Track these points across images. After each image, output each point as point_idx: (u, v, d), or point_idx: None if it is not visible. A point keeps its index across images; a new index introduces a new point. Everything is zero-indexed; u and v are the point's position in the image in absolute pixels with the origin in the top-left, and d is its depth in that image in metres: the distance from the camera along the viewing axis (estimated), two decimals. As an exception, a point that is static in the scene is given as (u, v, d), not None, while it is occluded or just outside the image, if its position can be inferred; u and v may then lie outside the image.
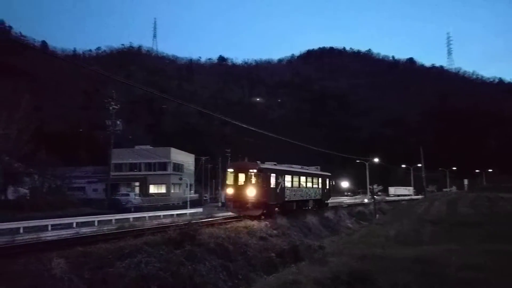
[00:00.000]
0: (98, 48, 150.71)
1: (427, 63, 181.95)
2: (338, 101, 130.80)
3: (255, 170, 22.26)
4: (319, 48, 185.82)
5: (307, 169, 30.51)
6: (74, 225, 22.55)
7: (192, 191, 61.34)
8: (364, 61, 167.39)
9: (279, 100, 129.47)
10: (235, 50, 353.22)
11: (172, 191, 57.44)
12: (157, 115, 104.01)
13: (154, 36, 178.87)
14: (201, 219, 21.86)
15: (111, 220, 25.28)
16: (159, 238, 13.22)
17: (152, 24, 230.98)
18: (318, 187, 31.00)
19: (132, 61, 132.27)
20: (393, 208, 42.98)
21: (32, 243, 13.74)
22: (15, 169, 36.25)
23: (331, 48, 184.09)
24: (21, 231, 19.61)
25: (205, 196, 58.98)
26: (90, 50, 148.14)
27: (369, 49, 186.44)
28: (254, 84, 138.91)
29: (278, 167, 25.41)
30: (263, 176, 22.23)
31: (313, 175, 30.54)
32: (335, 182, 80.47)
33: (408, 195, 76.95)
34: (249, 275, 12.74)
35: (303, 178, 28.32)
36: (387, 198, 61.06)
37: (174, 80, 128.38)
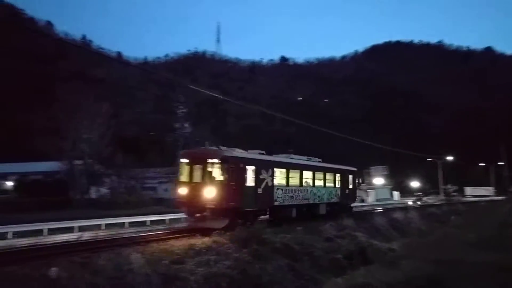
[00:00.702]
0: (167, 55, 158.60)
1: (508, 51, 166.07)
2: (406, 97, 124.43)
3: (216, 160, 15.65)
4: (385, 42, 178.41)
5: (317, 163, 23.84)
6: (148, 222, 23.98)
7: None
8: (434, 53, 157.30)
9: (343, 98, 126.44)
10: (297, 49, 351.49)
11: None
12: (221, 117, 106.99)
13: (218, 40, 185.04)
14: (268, 219, 22.07)
15: (180, 218, 26.45)
16: (225, 237, 13.64)
17: (216, 29, 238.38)
18: (334, 187, 24.38)
19: (197, 66, 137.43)
20: (470, 210, 39.85)
21: (112, 239, 14.89)
22: (97, 170, 39.60)
23: (398, 42, 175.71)
24: (103, 227, 21.35)
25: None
26: (159, 57, 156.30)
27: (440, 40, 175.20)
28: (317, 82, 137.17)
29: (261, 157, 18.81)
30: (231, 168, 15.77)
31: (326, 170, 23.73)
32: (404, 182, 76.93)
33: (487, 195, 70.91)
34: (316, 276, 12.60)
35: (307, 174, 21.71)
36: (462, 199, 56.94)
37: (236, 82, 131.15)
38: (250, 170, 17.10)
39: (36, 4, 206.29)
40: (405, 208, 31.86)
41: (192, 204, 15.64)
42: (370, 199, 61.66)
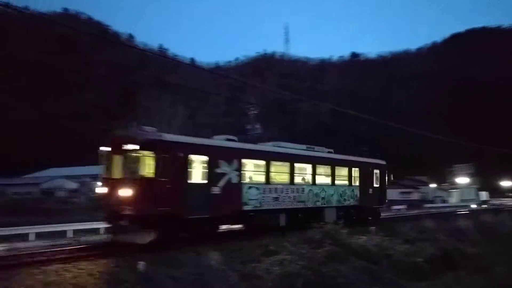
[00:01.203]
0: (237, 59, 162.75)
1: None
2: (492, 89, 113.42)
3: (136, 147, 11.27)
4: (467, 30, 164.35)
5: (321, 153, 18.85)
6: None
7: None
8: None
9: (419, 92, 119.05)
10: (368, 45, 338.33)
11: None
12: (291, 117, 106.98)
13: (286, 40, 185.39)
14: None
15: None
16: (299, 237, 13.65)
17: (284, 29, 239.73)
18: (350, 185, 19.59)
19: (266, 67, 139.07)
20: None
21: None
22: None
23: (483, 28, 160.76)
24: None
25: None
26: (230, 61, 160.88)
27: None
28: (390, 77, 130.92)
29: (220, 143, 14.39)
30: (163, 158, 11.37)
31: (334, 163, 18.83)
32: (494, 181, 69.99)
33: None
34: (396, 280, 12.04)
35: (304, 168, 17.34)
36: None
37: (306, 81, 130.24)
38: (198, 161, 12.68)
39: (119, 19, 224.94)
40: (493, 211, 28.95)
41: (109, 209, 11.79)
42: (454, 200, 57.34)
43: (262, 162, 15.54)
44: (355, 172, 20.34)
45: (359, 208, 20.18)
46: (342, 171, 19.70)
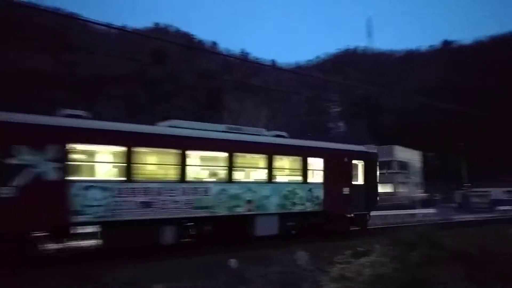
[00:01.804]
0: (317, 57, 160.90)
1: None
2: None
3: None
4: None
5: (250, 136, 13.83)
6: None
7: (420, 190, 57.49)
8: None
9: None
10: (461, 31, 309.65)
11: (399, 190, 55.50)
12: (376, 113, 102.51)
13: (369, 34, 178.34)
14: (435, 221, 20.19)
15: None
16: (388, 238, 13.06)
17: (366, 23, 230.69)
18: (304, 183, 14.62)
19: (348, 63, 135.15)
20: None
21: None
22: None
23: None
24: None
25: (436, 196, 54.27)
26: (311, 60, 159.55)
27: None
28: (490, 65, 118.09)
29: (19, 118, 9.50)
30: None
31: (274, 150, 13.99)
32: None
33: None
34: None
35: (214, 158, 13.04)
36: None
37: (390, 74, 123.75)
38: None
39: (203, 28, 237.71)
40: None
41: None
42: None
43: (118, 149, 10.99)
44: (316, 163, 15.00)
45: (327, 215, 15.07)
46: (289, 163, 14.68)
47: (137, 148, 11.23)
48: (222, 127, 13.68)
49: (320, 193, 15.10)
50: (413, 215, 29.81)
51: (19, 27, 65.33)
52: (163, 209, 11.42)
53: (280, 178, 14.40)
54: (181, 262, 9.95)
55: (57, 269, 9.09)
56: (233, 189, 12.76)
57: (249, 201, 13.11)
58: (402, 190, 55.38)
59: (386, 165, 56.29)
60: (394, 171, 55.09)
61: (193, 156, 12.52)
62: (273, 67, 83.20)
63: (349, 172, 16.24)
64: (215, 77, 68.76)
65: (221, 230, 12.69)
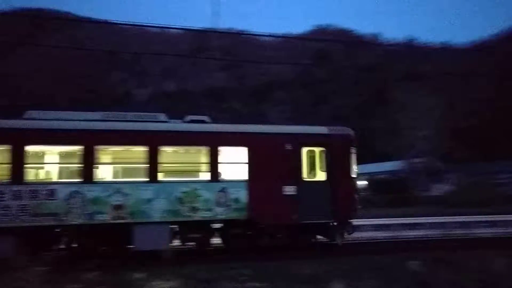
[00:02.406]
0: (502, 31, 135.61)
1: None
2: None
3: None
4: None
5: (118, 123, 10.84)
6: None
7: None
8: None
9: None
10: None
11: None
12: None
13: None
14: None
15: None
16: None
17: None
18: (212, 180, 10.80)
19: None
20: None
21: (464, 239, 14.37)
22: (436, 167, 39.04)
23: None
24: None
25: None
26: (496, 34, 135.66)
27: None
28: None
29: None
30: None
31: (161, 138, 10.74)
32: None
33: None
34: None
35: (48, 151, 10.62)
36: None
37: None
38: None
39: (361, 22, 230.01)
40: None
41: None
42: None
43: None
44: (235, 154, 11.38)
45: (255, 224, 11.10)
46: (187, 155, 11.61)
47: None
48: (98, 115, 11.01)
49: (242, 194, 10.98)
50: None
51: (203, 49, 76.39)
52: None
53: (170, 176, 11.07)
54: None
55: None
56: (92, 192, 10.07)
57: (118, 207, 10.22)
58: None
59: None
60: None
61: (33, 152, 10.31)
62: (445, 48, 74.19)
63: (295, 164, 11.61)
64: (379, 70, 65.65)
65: (89, 242, 10.33)
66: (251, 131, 11.77)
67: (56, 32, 71.60)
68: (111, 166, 11.01)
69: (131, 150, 10.97)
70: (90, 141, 10.24)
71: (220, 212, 10.77)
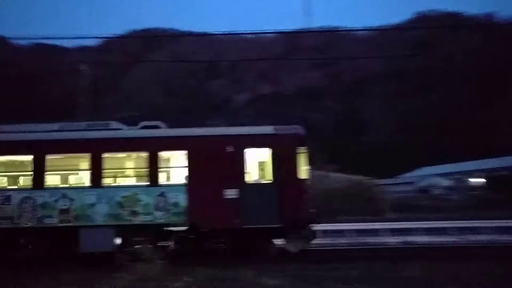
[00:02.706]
0: None
1: None
2: None
3: None
4: None
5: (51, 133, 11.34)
6: None
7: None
8: None
9: None
10: None
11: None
12: None
13: None
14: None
15: None
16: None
17: None
18: (152, 185, 10.87)
19: None
20: None
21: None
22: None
23: None
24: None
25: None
26: None
27: None
28: None
29: None
30: None
31: (102, 146, 11.20)
32: None
33: None
34: None
35: (17, 163, 11.62)
36: None
37: None
38: None
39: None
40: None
41: None
42: None
43: None
44: (175, 158, 11.57)
45: (196, 228, 10.81)
46: (128, 161, 11.95)
47: None
48: (55, 126, 11.85)
49: (181, 198, 10.93)
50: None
51: (296, 50, 76.62)
52: None
53: (112, 181, 11.52)
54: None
55: None
56: (41, 197, 10.84)
57: (65, 211, 10.84)
58: None
59: None
60: None
61: None
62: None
63: (237, 166, 11.17)
64: (493, 54, 58.32)
65: (41, 244, 10.95)
66: (190, 134, 11.93)
67: (163, 48, 78.45)
68: (60, 173, 11.69)
69: (78, 158, 11.72)
70: (40, 151, 11.12)
71: (160, 216, 10.90)
